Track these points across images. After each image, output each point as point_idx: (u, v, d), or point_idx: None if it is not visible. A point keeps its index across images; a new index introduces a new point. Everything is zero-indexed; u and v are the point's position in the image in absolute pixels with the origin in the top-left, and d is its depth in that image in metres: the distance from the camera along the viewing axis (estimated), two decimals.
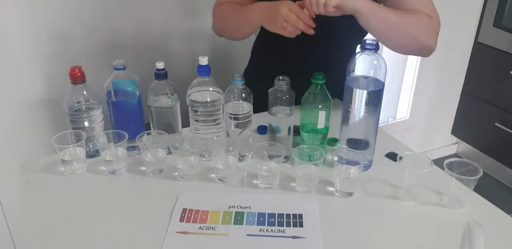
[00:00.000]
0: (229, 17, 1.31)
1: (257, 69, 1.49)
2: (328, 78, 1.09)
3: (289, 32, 1.12)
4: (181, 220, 0.98)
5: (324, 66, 1.20)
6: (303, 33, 1.13)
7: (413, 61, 2.43)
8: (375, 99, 1.06)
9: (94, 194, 1.08)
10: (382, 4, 1.19)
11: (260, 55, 1.50)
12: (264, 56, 1.48)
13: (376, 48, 1.02)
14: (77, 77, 1.11)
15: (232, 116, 1.12)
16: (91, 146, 1.16)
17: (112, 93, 1.14)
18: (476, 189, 1.02)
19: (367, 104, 1.06)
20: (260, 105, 1.18)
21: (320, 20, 1.12)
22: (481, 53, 2.44)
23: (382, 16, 1.11)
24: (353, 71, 1.06)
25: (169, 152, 1.12)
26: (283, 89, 1.09)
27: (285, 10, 1.10)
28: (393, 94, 2.52)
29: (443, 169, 1.02)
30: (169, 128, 1.17)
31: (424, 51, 1.20)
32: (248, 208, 1.01)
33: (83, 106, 1.13)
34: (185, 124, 1.21)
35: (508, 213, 1.02)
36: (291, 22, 1.10)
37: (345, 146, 1.13)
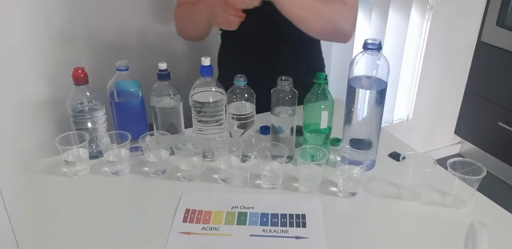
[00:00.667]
0: (185, 17, 1.37)
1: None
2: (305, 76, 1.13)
3: (223, 20, 1.17)
4: (184, 220, 0.98)
5: (292, 63, 1.29)
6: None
7: (416, 60, 2.43)
8: (378, 99, 1.06)
9: (97, 195, 1.08)
10: None
11: (225, 65, 1.50)
12: (230, 64, 1.48)
13: (378, 47, 1.01)
14: (80, 78, 1.11)
15: (235, 116, 1.12)
16: (94, 147, 1.16)
17: (115, 94, 1.14)
18: (480, 189, 1.02)
19: (370, 104, 1.06)
20: None
21: (270, 17, 1.19)
22: (484, 52, 2.43)
23: (297, 3, 1.18)
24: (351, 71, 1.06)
25: (172, 153, 1.12)
26: (286, 89, 1.09)
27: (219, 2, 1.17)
28: (396, 94, 2.51)
29: (446, 169, 1.01)
30: (172, 129, 1.18)
31: (340, 36, 1.28)
32: (251, 208, 1.01)
33: (86, 107, 1.14)
34: (188, 124, 1.21)
35: None
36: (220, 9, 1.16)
37: (348, 146, 1.13)
